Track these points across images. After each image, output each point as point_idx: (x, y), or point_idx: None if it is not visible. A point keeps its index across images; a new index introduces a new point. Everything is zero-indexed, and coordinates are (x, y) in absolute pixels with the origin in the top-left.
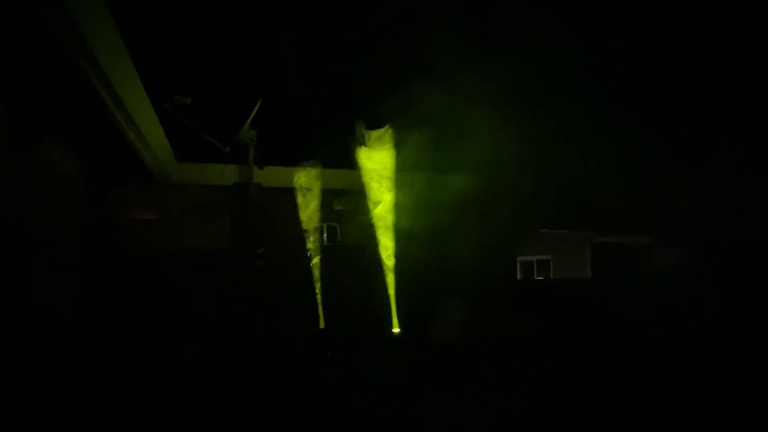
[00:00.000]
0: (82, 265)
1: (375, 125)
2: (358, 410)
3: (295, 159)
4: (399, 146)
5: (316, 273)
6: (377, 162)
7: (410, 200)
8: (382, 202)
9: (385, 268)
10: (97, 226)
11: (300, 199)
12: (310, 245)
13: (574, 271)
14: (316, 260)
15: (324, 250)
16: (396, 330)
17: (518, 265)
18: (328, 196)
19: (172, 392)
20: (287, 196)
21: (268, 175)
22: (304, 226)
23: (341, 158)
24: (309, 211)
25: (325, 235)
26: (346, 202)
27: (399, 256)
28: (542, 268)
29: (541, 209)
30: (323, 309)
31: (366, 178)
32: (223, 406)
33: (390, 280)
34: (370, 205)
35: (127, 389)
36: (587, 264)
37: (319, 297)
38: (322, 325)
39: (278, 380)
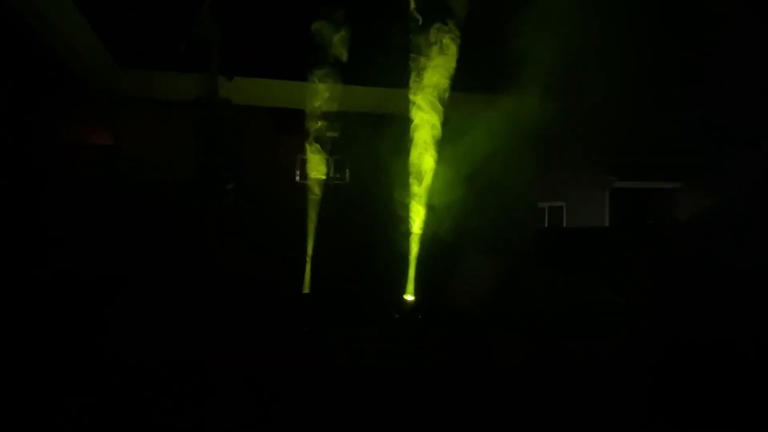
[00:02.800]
0: None
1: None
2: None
3: (280, 68)
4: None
5: (310, 218)
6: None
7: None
8: (424, 130)
9: (401, 217)
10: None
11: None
12: (305, 180)
13: (589, 219)
14: (309, 200)
15: (321, 188)
16: (408, 297)
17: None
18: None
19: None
20: (268, 117)
21: (241, 90)
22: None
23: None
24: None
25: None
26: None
27: (415, 203)
28: (554, 217)
29: (554, 148)
30: (311, 266)
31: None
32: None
33: (407, 233)
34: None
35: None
36: (605, 212)
37: (308, 250)
38: (306, 288)
39: (242, 366)
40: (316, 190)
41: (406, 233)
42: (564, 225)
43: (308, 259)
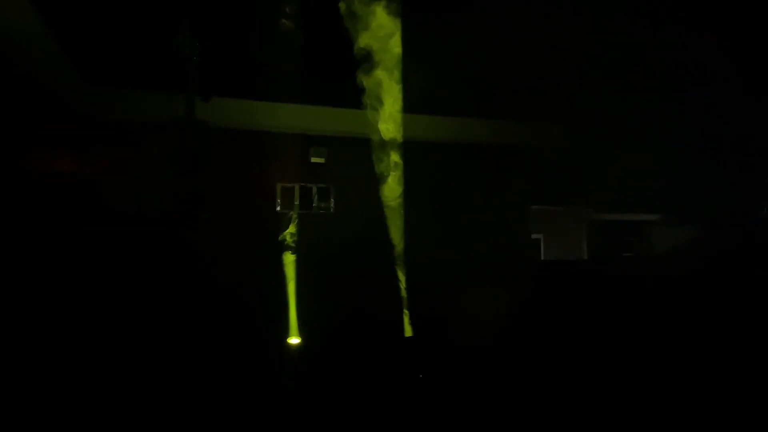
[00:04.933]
0: None
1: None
2: None
3: (262, 89)
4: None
5: (290, 252)
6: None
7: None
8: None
9: (392, 249)
10: None
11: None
12: (285, 210)
13: (567, 251)
14: (289, 232)
15: (302, 219)
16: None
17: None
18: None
19: None
20: (248, 140)
21: (220, 111)
22: (275, 184)
23: (329, 92)
24: (282, 163)
25: (315, 197)
26: (327, 153)
27: (408, 231)
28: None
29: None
30: (297, 308)
31: (374, 120)
32: None
33: (399, 265)
34: (375, 159)
35: None
36: (582, 243)
37: (291, 288)
38: (294, 333)
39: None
40: (298, 221)
41: (397, 270)
42: (542, 257)
43: (291, 294)
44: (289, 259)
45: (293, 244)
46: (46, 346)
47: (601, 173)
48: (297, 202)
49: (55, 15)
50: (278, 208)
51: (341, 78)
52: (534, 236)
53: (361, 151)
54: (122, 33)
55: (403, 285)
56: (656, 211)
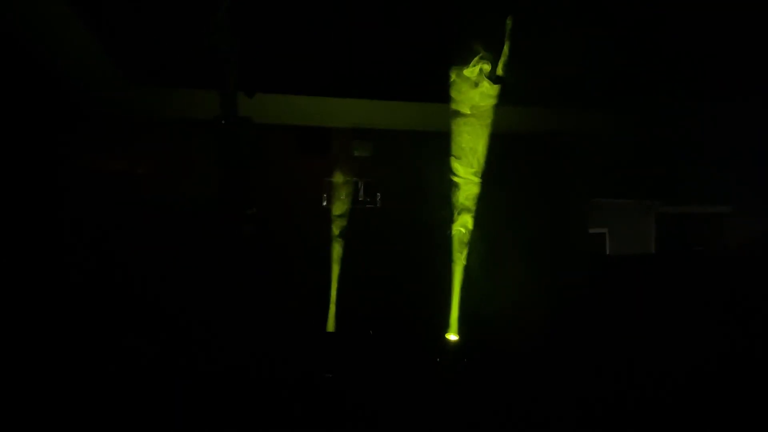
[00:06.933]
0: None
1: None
2: None
3: (305, 83)
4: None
5: (336, 248)
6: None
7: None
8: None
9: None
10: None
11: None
12: (333, 206)
13: (633, 246)
14: (336, 228)
15: (351, 214)
16: (452, 336)
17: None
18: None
19: None
20: (293, 136)
21: (263, 107)
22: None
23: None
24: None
25: (360, 192)
26: (371, 147)
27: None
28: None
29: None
30: (337, 302)
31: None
32: None
33: (456, 262)
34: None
35: None
36: (650, 238)
37: (334, 283)
38: (330, 326)
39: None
40: (345, 216)
41: (447, 263)
42: (607, 252)
43: (334, 293)
44: (336, 255)
45: (340, 240)
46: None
47: (670, 164)
48: (343, 197)
49: (95, 17)
50: (324, 204)
51: (391, 70)
52: (598, 230)
53: (410, 144)
54: (164, 31)
55: (447, 281)
56: (729, 202)
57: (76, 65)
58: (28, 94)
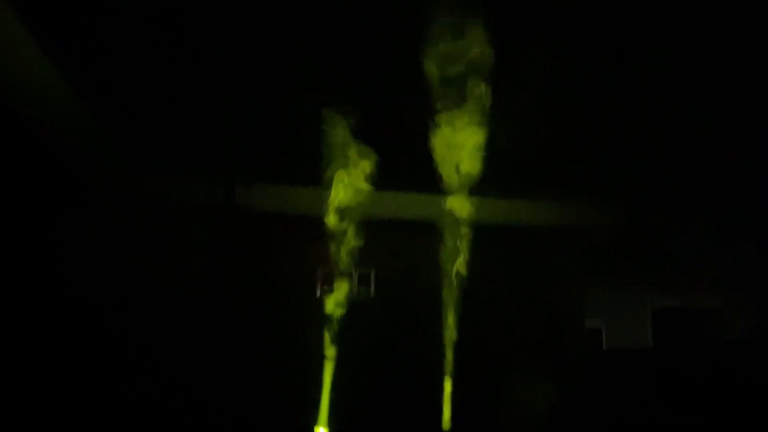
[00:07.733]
0: None
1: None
2: None
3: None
4: None
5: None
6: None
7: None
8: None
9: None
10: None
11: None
12: (327, 298)
13: (630, 341)
14: (332, 321)
15: (347, 307)
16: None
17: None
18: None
19: None
20: (288, 225)
21: (259, 196)
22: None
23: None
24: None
25: (354, 283)
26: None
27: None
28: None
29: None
30: (331, 398)
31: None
32: None
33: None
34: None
35: None
36: (647, 333)
37: (327, 377)
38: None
39: None
40: (339, 306)
41: (442, 360)
42: (603, 347)
43: (326, 389)
44: (329, 351)
45: (332, 332)
46: None
47: (666, 257)
48: (335, 287)
49: (99, 104)
50: (318, 294)
51: (385, 161)
52: (595, 325)
53: (404, 234)
54: (166, 121)
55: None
56: (727, 296)
57: (79, 151)
58: (29, 171)
